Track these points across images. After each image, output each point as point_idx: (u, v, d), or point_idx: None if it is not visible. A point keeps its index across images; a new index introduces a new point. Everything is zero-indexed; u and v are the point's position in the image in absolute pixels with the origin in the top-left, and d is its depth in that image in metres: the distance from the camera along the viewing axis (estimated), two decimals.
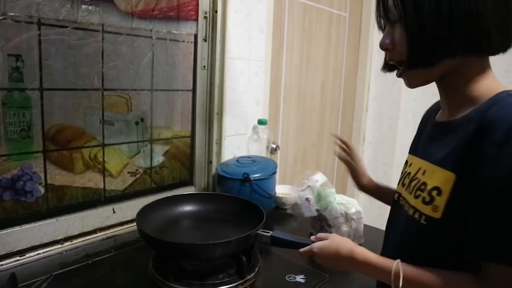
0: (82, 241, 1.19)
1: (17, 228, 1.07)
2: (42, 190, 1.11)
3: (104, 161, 1.24)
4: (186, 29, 1.40)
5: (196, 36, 1.44)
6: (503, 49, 0.68)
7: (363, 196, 2.80)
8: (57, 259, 1.09)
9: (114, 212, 1.28)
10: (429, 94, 1.04)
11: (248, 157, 1.54)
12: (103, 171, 1.25)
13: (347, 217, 1.22)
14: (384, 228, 1.31)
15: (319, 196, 1.24)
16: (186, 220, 1.21)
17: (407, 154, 0.87)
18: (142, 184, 1.36)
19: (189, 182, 1.52)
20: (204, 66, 1.48)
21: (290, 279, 1.02)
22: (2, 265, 1.02)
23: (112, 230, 1.27)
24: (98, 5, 1.14)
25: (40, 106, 1.07)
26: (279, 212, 1.55)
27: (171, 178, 1.45)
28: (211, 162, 1.53)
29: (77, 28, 1.11)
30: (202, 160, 1.54)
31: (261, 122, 1.67)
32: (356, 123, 2.62)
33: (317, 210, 1.23)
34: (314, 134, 2.28)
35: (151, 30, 1.29)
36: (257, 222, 1.03)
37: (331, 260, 0.79)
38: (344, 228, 1.22)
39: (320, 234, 0.84)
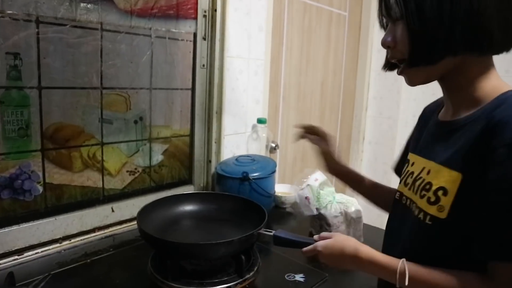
0: (81, 240, 1.19)
1: (15, 227, 1.06)
2: (41, 189, 1.11)
3: (103, 160, 1.24)
4: (185, 28, 1.40)
5: (195, 35, 1.43)
6: (506, 49, 0.67)
7: None
8: (55, 258, 1.08)
9: (113, 211, 1.28)
10: (429, 93, 1.04)
11: (248, 156, 1.53)
12: (102, 170, 1.24)
13: (347, 216, 1.22)
14: (383, 228, 1.31)
15: (319, 195, 1.24)
16: (186, 219, 1.20)
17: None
18: (141, 183, 1.36)
19: (188, 181, 1.52)
20: (203, 65, 1.48)
21: (290, 278, 1.01)
22: (0, 264, 1.02)
23: (111, 229, 1.27)
24: (96, 3, 1.14)
25: (38, 104, 1.07)
26: (279, 211, 1.54)
27: (170, 177, 1.45)
28: (210, 161, 1.53)
29: (75, 26, 1.11)
30: (201, 159, 1.53)
31: (260, 121, 1.66)
32: (356, 122, 2.61)
33: (317, 209, 1.23)
34: None
35: (150, 29, 1.29)
36: (258, 221, 1.02)
37: (335, 258, 0.78)
38: (344, 227, 1.22)
39: (323, 233, 0.83)
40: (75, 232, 1.19)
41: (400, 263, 0.68)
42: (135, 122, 1.31)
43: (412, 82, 0.73)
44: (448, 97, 0.74)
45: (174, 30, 1.36)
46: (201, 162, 1.53)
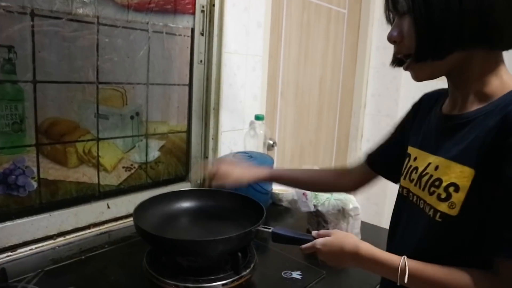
0: (76, 236, 1.17)
1: (9, 223, 1.05)
2: (35, 184, 1.09)
3: (98, 155, 1.22)
4: (183, 23, 1.38)
5: (193, 30, 1.42)
6: None
7: (360, 193, 2.79)
8: (49, 255, 1.07)
9: (108, 207, 1.26)
10: (428, 91, 1.02)
11: (245, 152, 1.52)
12: (98, 166, 1.23)
13: (344, 213, 1.21)
14: (381, 226, 1.31)
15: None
16: (184, 216, 1.19)
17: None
18: (137, 179, 1.35)
19: (185, 177, 1.50)
20: (201, 61, 1.46)
21: (287, 275, 1.00)
22: None
23: (106, 225, 1.25)
24: None
25: (33, 98, 1.05)
26: (276, 208, 1.53)
27: (166, 174, 1.43)
28: (207, 157, 1.52)
29: (71, 20, 1.09)
30: (198, 155, 1.52)
31: (258, 117, 1.65)
32: (354, 120, 2.61)
33: (314, 206, 1.22)
34: (312, 131, 2.27)
35: (147, 23, 1.27)
36: (256, 218, 1.01)
37: (335, 256, 0.77)
38: (342, 224, 1.21)
39: (322, 231, 0.82)
40: (70, 228, 1.18)
41: (401, 260, 0.67)
42: (132, 117, 1.29)
43: (418, 77, 0.71)
44: (455, 91, 0.72)
45: (171, 25, 1.34)
46: (198, 158, 1.52)
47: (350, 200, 1.23)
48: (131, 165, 1.32)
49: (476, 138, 0.64)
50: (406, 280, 0.65)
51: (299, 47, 2.03)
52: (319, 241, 0.79)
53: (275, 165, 1.52)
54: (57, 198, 1.15)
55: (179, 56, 1.40)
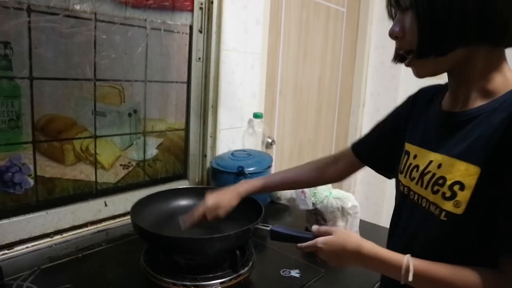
0: (73, 234, 1.17)
1: (5, 221, 1.04)
2: (32, 182, 1.08)
3: (96, 153, 1.22)
4: (181, 20, 1.37)
5: (191, 27, 1.41)
6: None
7: (359, 191, 2.80)
8: (46, 253, 1.06)
9: (106, 205, 1.25)
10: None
11: (243, 150, 1.52)
12: (95, 163, 1.22)
13: (343, 212, 1.20)
14: (380, 224, 1.30)
15: (315, 189, 1.22)
16: (181, 214, 1.17)
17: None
18: (135, 177, 1.34)
19: (183, 175, 1.50)
20: (199, 58, 1.45)
21: (285, 274, 1.00)
22: None
23: (103, 223, 1.25)
24: None
25: (29, 95, 1.04)
26: (274, 206, 1.53)
27: (164, 172, 1.43)
28: (205, 155, 1.51)
29: (68, 16, 1.08)
30: (196, 153, 1.51)
31: (256, 115, 1.64)
32: (353, 119, 2.60)
33: (313, 204, 1.22)
34: (311, 129, 2.26)
35: (145, 20, 1.26)
36: (254, 216, 1.01)
37: (337, 256, 0.75)
38: (340, 222, 1.20)
39: (323, 227, 0.80)
40: (67, 226, 1.17)
41: (405, 259, 0.66)
42: (129, 115, 1.28)
43: (420, 74, 0.70)
44: (457, 88, 0.71)
45: (169, 22, 1.34)
46: (196, 156, 1.51)
47: (349, 199, 1.22)
48: (129, 162, 1.31)
49: (481, 136, 0.63)
50: (410, 279, 0.64)
51: (298, 45, 2.03)
52: (320, 240, 0.77)
53: (273, 164, 1.51)
54: (54, 195, 1.14)
55: (177, 54, 1.39)
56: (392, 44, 0.74)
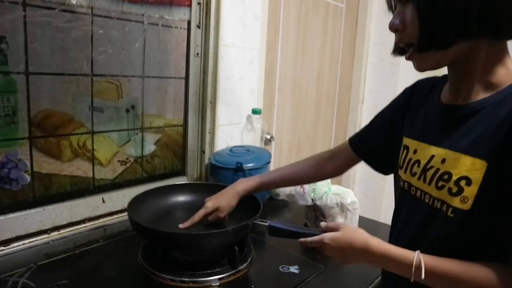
0: (70, 231, 1.16)
1: (1, 218, 1.03)
2: (28, 178, 1.08)
3: (93, 149, 1.21)
4: (179, 15, 1.36)
5: (189, 22, 1.40)
6: None
7: (358, 189, 2.79)
8: (43, 249, 1.05)
9: (103, 201, 1.25)
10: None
11: (242, 146, 1.51)
12: (92, 160, 1.21)
13: (342, 208, 1.19)
14: (379, 220, 1.29)
15: (314, 185, 1.21)
16: (179, 210, 1.18)
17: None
18: (133, 173, 1.33)
19: (181, 172, 1.49)
20: (198, 53, 1.44)
21: (284, 270, 0.99)
22: None
23: (101, 220, 1.24)
24: None
25: (26, 90, 1.03)
26: (273, 203, 1.52)
27: (162, 168, 1.42)
28: (204, 151, 1.50)
29: (65, 11, 1.07)
30: (194, 149, 1.50)
31: (255, 111, 1.63)
32: (352, 115, 2.59)
33: (312, 200, 1.21)
34: (310, 126, 2.26)
35: (143, 15, 1.25)
36: (253, 211, 1.00)
37: (343, 253, 0.73)
38: (339, 219, 1.20)
39: (331, 224, 0.79)
40: (64, 223, 1.16)
41: (415, 256, 0.64)
42: (127, 110, 1.27)
43: (421, 67, 0.69)
44: (459, 81, 0.70)
45: (167, 17, 1.32)
46: (195, 152, 1.50)
47: (348, 194, 1.21)
48: (127, 159, 1.30)
49: (487, 129, 0.62)
50: (422, 277, 0.63)
51: (296, 41, 2.02)
52: (327, 235, 0.76)
53: (272, 160, 1.51)
54: (51, 192, 1.13)
55: (175, 49, 1.38)
56: (391, 41, 0.73)
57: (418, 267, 0.64)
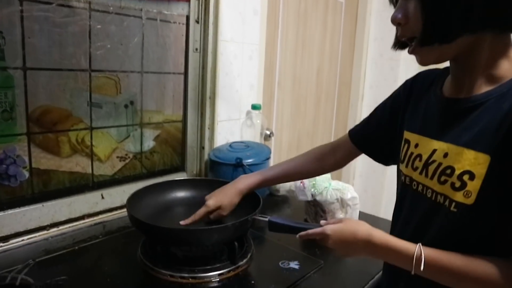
0: (69, 227, 1.15)
1: (0, 214, 1.02)
2: (27, 174, 1.07)
3: (92, 145, 1.20)
4: (177, 10, 1.35)
5: (188, 17, 1.39)
6: None
7: (358, 185, 2.78)
8: (42, 246, 1.05)
9: (102, 197, 1.24)
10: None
11: (241, 142, 1.50)
12: (91, 155, 1.21)
13: (343, 203, 1.19)
14: (379, 216, 1.28)
15: (314, 181, 1.21)
16: (178, 206, 1.17)
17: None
18: (132, 169, 1.32)
19: (180, 168, 1.48)
20: (197, 49, 1.43)
21: (284, 265, 0.99)
22: None
23: (100, 216, 1.23)
24: None
25: (23, 86, 1.03)
26: (273, 198, 1.51)
27: (162, 164, 1.41)
28: (203, 147, 1.49)
29: (62, 5, 1.06)
30: (194, 145, 1.50)
31: (255, 107, 1.63)
32: (352, 111, 2.59)
33: (312, 196, 1.20)
34: (309, 122, 2.25)
35: (141, 10, 1.24)
36: (252, 207, 1.00)
37: (346, 244, 0.73)
38: (340, 214, 1.19)
39: (332, 220, 0.78)
40: (63, 219, 1.15)
41: (416, 248, 0.64)
42: (126, 106, 1.27)
43: (423, 61, 0.68)
44: (462, 75, 0.68)
45: (166, 12, 1.31)
46: (194, 148, 1.50)
47: (349, 190, 1.21)
48: (126, 155, 1.30)
49: (490, 122, 0.61)
50: (422, 269, 0.63)
51: (296, 36, 2.01)
52: (329, 227, 0.76)
53: (272, 156, 1.50)
54: (50, 188, 1.13)
55: (174, 44, 1.37)
56: (391, 36, 0.72)
57: (419, 259, 0.63)
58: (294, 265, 0.99)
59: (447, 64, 0.73)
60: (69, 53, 1.10)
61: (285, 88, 2.01)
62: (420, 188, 0.72)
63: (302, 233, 0.80)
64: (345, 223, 0.75)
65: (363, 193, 2.66)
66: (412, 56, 0.70)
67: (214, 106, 1.47)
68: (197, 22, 1.42)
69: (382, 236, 0.70)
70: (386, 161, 0.92)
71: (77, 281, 0.88)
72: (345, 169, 2.64)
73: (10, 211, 1.04)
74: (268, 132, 1.78)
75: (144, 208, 1.07)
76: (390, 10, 0.70)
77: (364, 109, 2.59)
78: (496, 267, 0.59)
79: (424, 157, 0.71)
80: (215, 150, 1.45)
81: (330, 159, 1.02)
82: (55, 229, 1.13)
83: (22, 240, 1.05)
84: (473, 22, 0.60)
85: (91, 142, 1.20)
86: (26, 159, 1.06)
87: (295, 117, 2.13)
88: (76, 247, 1.04)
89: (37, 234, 1.09)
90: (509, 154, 0.58)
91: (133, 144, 1.31)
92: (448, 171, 0.65)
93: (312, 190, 1.20)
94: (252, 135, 1.62)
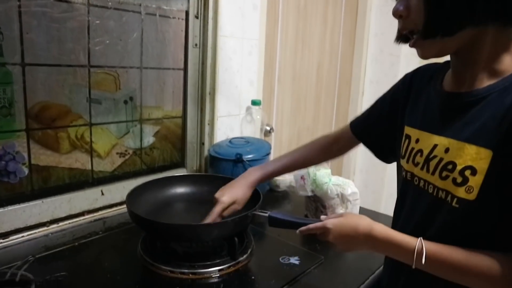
0: (69, 223, 1.15)
1: (0, 210, 1.02)
2: (26, 170, 1.07)
3: (91, 141, 1.20)
4: (177, 5, 1.34)
5: (187, 13, 1.38)
6: None
7: (358, 181, 2.78)
8: (42, 242, 1.05)
9: (102, 194, 1.24)
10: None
11: (241, 138, 1.50)
12: (91, 152, 1.20)
13: (343, 199, 1.19)
14: (379, 211, 1.28)
15: (315, 176, 1.20)
16: (178, 202, 1.17)
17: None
18: (132, 166, 1.32)
19: (180, 163, 1.48)
20: (196, 44, 1.43)
21: (284, 261, 0.99)
22: None
23: (100, 212, 1.23)
24: None
25: (22, 82, 1.02)
26: (273, 194, 1.51)
27: (161, 160, 1.41)
28: (203, 143, 1.49)
29: (60, 1, 1.05)
30: (194, 141, 1.49)
31: (254, 102, 1.62)
32: (352, 107, 2.58)
33: (312, 191, 1.20)
34: (310, 117, 2.24)
35: (140, 5, 1.23)
36: (253, 202, 0.99)
37: (347, 238, 0.73)
38: (340, 209, 1.19)
39: (333, 215, 0.78)
40: (63, 215, 1.15)
41: (417, 242, 0.64)
42: (125, 102, 1.26)
43: (425, 55, 0.67)
44: (463, 69, 0.68)
45: (165, 7, 1.31)
46: (194, 144, 1.50)
47: (349, 185, 1.21)
48: (125, 151, 1.29)
49: (492, 117, 0.60)
50: (423, 263, 0.63)
51: (296, 31, 2.00)
52: (330, 221, 0.75)
53: (272, 151, 1.50)
54: (50, 184, 1.12)
55: (174, 40, 1.36)
56: (391, 31, 0.72)
57: (420, 253, 0.63)
58: (294, 260, 0.99)
59: (446, 58, 0.72)
60: (68, 48, 1.09)
61: (285, 83, 2.00)
62: (421, 183, 0.71)
63: (303, 227, 0.80)
64: (346, 217, 0.75)
65: (364, 188, 2.66)
66: (412, 52, 0.69)
67: (214, 101, 1.47)
68: (197, 17, 1.41)
69: (383, 230, 0.69)
70: (386, 157, 0.92)
71: (77, 277, 0.88)
72: (345, 164, 2.64)
73: (9, 208, 1.04)
74: (268, 128, 1.78)
75: (144, 204, 1.07)
76: (391, 5, 0.70)
77: (364, 105, 2.58)
78: (497, 262, 0.59)
79: (425, 152, 0.70)
80: (215, 146, 1.45)
81: (335, 149, 1.04)
82: (55, 225, 1.13)
83: (22, 236, 1.05)
84: (477, 15, 0.59)
85: (91, 138, 1.19)
86: (26, 155, 1.06)
87: (295, 113, 2.12)
88: (76, 243, 1.04)
89: (37, 231, 1.09)
90: (511, 149, 0.57)
91: (132, 140, 1.31)
92: (450, 167, 0.64)
93: (312, 185, 1.19)
94: (252, 131, 1.62)
